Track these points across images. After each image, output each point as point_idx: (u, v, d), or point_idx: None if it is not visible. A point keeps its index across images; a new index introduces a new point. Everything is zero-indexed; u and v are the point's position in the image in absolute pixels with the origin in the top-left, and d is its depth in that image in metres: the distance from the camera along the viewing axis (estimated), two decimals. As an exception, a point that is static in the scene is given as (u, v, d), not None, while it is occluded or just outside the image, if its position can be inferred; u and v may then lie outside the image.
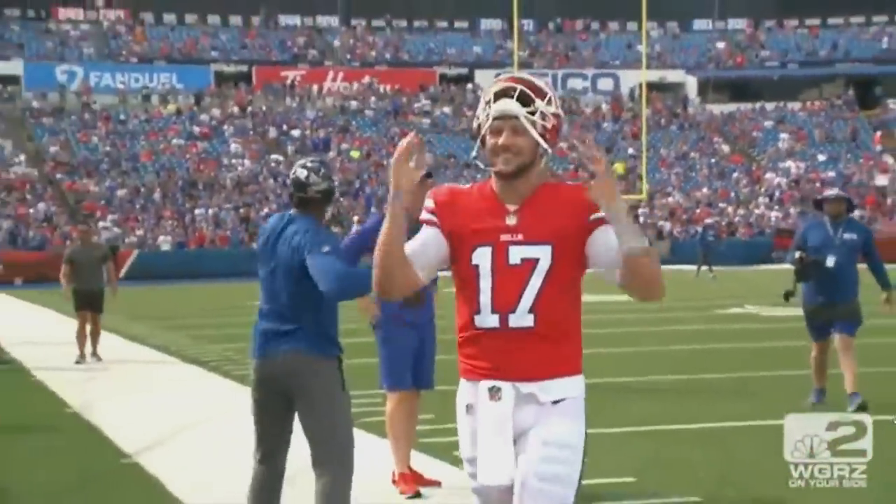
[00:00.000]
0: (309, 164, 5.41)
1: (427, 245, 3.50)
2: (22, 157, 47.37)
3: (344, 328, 5.55)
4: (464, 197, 3.52)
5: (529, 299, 3.39)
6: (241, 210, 43.71)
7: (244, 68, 58.65)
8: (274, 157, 48.65)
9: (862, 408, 8.70)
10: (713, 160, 53.70)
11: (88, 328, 14.56)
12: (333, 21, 63.90)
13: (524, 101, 3.41)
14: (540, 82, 3.47)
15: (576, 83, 60.49)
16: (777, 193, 49.93)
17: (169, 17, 61.55)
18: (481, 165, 3.50)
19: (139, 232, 41.71)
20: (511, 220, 3.43)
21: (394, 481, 6.86)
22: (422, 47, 63.16)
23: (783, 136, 55.39)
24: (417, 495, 6.72)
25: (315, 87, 57.25)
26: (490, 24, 64.31)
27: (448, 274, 3.64)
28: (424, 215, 3.52)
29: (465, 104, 54.95)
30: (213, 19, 62.09)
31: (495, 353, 3.42)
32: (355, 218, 39.94)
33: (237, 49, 60.65)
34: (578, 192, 3.42)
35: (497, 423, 3.39)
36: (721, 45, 64.90)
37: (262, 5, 61.77)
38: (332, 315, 5.29)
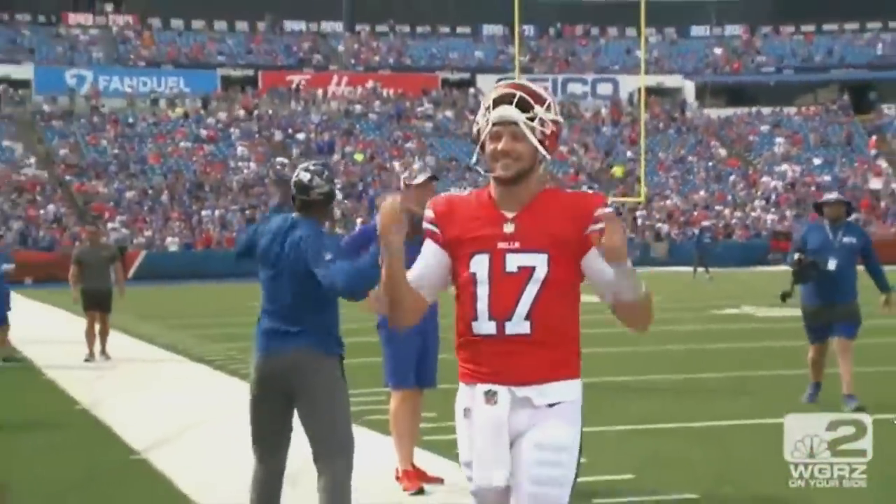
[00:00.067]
0: (312, 168, 5.43)
1: (429, 266, 3.53)
2: (32, 160, 47.52)
3: (345, 328, 5.59)
4: (462, 205, 3.52)
5: (526, 306, 3.39)
6: (247, 212, 43.53)
7: (250, 72, 58.67)
8: (279, 159, 48.55)
9: (859, 410, 8.55)
10: (710, 164, 53.88)
11: (97, 327, 14.50)
12: (338, 26, 64.04)
13: (523, 107, 3.40)
14: (539, 89, 3.47)
15: (576, 88, 60.74)
16: (773, 196, 50.01)
17: (177, 23, 61.62)
18: (481, 171, 3.54)
19: (147, 233, 41.89)
20: (508, 228, 3.42)
21: (397, 478, 6.92)
22: (424, 52, 63.31)
23: (779, 140, 55.49)
24: (420, 492, 6.77)
25: (320, 92, 57.27)
26: (492, 29, 64.38)
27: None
28: (425, 225, 3.55)
29: (467, 108, 55.13)
30: (220, 25, 62.22)
31: (492, 359, 3.42)
32: (359, 220, 40.56)
33: (243, 54, 60.72)
34: (577, 199, 3.45)
35: (493, 426, 3.39)
36: (718, 50, 64.96)
37: (267, 11, 61.86)
38: (335, 315, 5.34)
